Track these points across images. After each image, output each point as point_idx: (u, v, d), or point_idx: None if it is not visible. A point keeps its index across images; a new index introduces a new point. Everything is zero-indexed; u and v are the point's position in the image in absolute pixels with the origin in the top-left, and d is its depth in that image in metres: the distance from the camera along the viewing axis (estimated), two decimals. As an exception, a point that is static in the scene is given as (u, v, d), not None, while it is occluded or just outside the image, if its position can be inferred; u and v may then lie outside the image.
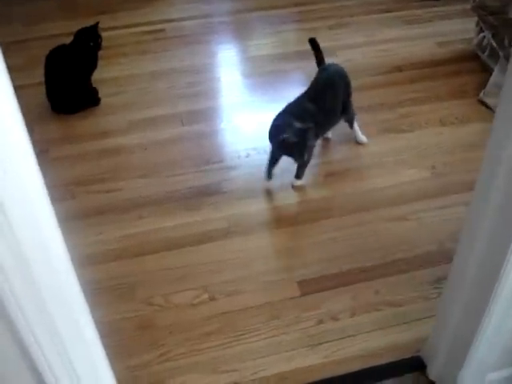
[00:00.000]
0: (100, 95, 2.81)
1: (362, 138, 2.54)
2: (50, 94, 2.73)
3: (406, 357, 1.75)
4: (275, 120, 2.20)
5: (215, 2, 3.70)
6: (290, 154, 2.21)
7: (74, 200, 2.32)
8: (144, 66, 3.08)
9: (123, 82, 2.97)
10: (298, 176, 2.32)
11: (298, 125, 2.13)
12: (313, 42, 2.48)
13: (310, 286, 1.97)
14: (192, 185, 2.37)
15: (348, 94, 2.44)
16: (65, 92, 2.70)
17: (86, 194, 2.35)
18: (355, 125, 2.52)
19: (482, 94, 2.84)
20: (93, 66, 2.74)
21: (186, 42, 3.30)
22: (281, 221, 2.23)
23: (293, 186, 2.34)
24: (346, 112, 2.44)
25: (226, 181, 2.39)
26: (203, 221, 2.21)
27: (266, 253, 2.11)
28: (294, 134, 2.09)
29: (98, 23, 2.68)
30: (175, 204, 2.29)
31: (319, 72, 2.44)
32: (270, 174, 2.32)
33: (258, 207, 2.28)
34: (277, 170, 2.33)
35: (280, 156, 2.27)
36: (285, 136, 2.10)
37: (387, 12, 3.57)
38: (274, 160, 2.29)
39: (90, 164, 2.49)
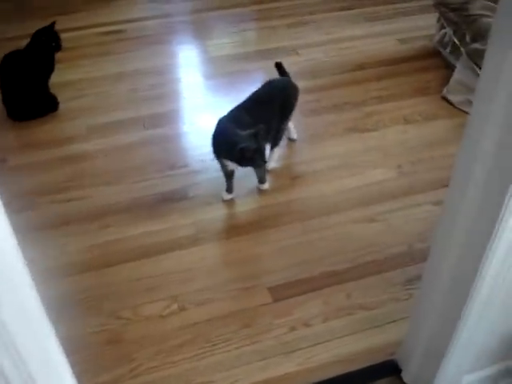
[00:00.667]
0: (59, 100, 2.74)
1: (271, 164, 2.38)
2: (6, 100, 2.64)
3: (381, 361, 1.74)
4: (218, 136, 2.12)
5: (176, 2, 3.65)
6: (249, 163, 2.12)
7: (36, 211, 2.25)
8: (105, 68, 3.01)
9: (84, 85, 2.89)
10: (263, 180, 2.28)
11: (244, 132, 2.05)
12: (279, 66, 2.45)
13: (281, 292, 1.95)
14: (158, 191, 2.32)
15: (286, 108, 2.33)
16: (21, 98, 2.62)
17: (48, 203, 2.28)
18: (275, 152, 2.39)
19: (445, 91, 2.85)
20: (50, 69, 2.66)
21: (147, 42, 3.24)
22: (248, 226, 2.20)
23: (260, 190, 2.30)
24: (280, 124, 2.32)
25: (192, 185, 2.35)
26: (170, 228, 2.17)
27: (234, 259, 2.08)
28: (248, 141, 2.02)
29: (54, 23, 2.60)
30: (141, 211, 2.24)
31: (263, 84, 2.35)
32: (231, 189, 2.28)
33: (224, 212, 2.25)
34: (236, 175, 2.29)
35: (236, 168, 2.19)
36: (243, 145, 2.00)
37: (348, 9, 3.56)
38: (231, 174, 2.23)
39: (51, 172, 2.42)
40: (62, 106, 2.74)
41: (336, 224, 2.20)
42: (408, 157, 2.50)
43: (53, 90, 2.73)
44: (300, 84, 2.83)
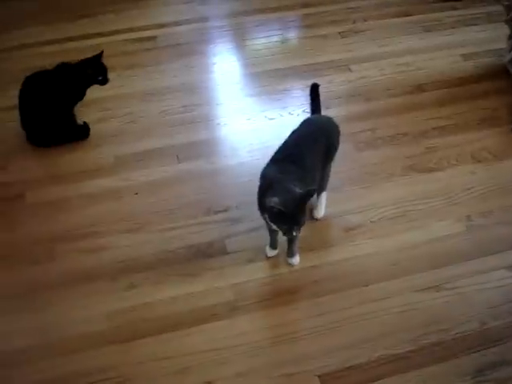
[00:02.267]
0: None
1: (320, 212, 2.11)
2: (25, 124, 2.37)
3: None
4: (262, 189, 1.81)
5: (212, 2, 3.31)
6: (281, 225, 1.77)
7: (54, 262, 2.00)
8: (134, 84, 2.72)
9: (110, 104, 2.61)
10: (294, 253, 1.96)
11: (290, 190, 1.72)
12: (314, 89, 2.07)
13: (333, 382, 1.67)
14: (190, 242, 2.04)
15: (331, 151, 2.00)
16: (44, 123, 2.34)
17: (68, 253, 2.03)
18: (322, 197, 2.10)
19: (517, 123, 2.51)
20: (81, 97, 2.38)
21: (179, 52, 2.93)
22: (295, 292, 1.91)
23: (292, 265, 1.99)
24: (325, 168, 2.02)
25: (231, 237, 2.06)
26: (204, 292, 1.90)
27: (279, 336, 1.80)
28: (287, 201, 1.69)
29: (101, 53, 2.32)
30: (171, 268, 1.97)
31: (303, 123, 2.02)
32: (275, 244, 1.98)
33: (268, 273, 1.97)
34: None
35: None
36: (273, 204, 1.68)
37: (405, 16, 3.20)
38: (275, 230, 1.88)
39: (73, 213, 2.17)
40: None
41: (397, 292, 1.90)
42: (478, 206, 2.18)
43: (77, 111, 2.44)
44: (352, 108, 2.58)
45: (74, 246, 2.05)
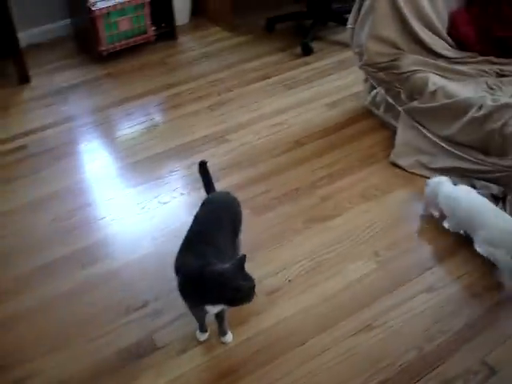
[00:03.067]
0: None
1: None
2: None
3: None
4: (193, 281, 1.73)
5: (73, 102, 3.27)
6: (243, 301, 1.73)
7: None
8: (16, 198, 2.60)
9: (-5, 224, 2.47)
10: (226, 330, 1.95)
11: (225, 266, 1.70)
12: (202, 166, 2.10)
13: None
14: (118, 347, 1.96)
15: (236, 224, 2.00)
16: None
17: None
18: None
19: (392, 156, 2.69)
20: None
21: (53, 157, 2.84)
22: (237, 370, 1.87)
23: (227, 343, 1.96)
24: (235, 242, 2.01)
25: (158, 331, 2.01)
26: (149, 393, 1.82)
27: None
28: (239, 276, 1.70)
29: None
30: (107, 379, 1.87)
31: (204, 204, 2.01)
32: (205, 327, 1.95)
33: (206, 358, 1.92)
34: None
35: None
36: (239, 284, 1.67)
37: (265, 79, 3.37)
38: (204, 316, 1.89)
39: (-17, 349, 1.99)
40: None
41: (334, 342, 1.94)
42: (382, 241, 2.30)
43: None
44: (240, 175, 2.64)
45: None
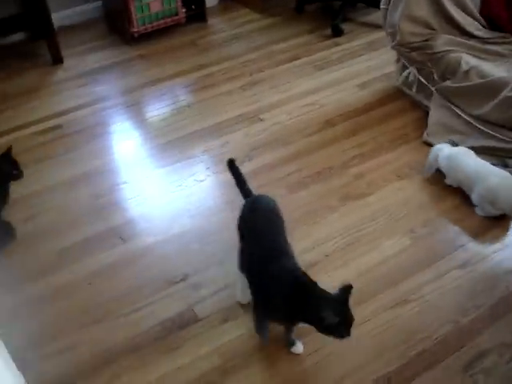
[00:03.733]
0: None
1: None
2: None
3: None
4: (288, 295, 1.65)
5: (107, 82, 3.32)
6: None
7: (28, 372, 1.88)
8: (53, 176, 2.66)
9: (35, 200, 2.53)
10: (295, 340, 1.89)
11: (330, 295, 1.65)
12: (231, 165, 2.03)
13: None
14: (160, 318, 2.02)
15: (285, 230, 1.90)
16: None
17: (38, 361, 1.92)
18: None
19: (425, 135, 2.71)
20: (4, 200, 2.32)
21: (88, 136, 2.90)
22: (280, 339, 1.92)
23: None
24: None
25: (198, 304, 2.06)
26: (191, 362, 1.88)
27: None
28: (334, 309, 1.61)
29: (10, 148, 2.30)
30: (150, 348, 1.93)
31: (253, 211, 1.92)
32: (267, 335, 1.90)
33: (246, 329, 1.96)
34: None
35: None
36: (329, 318, 1.58)
37: (295, 59, 3.39)
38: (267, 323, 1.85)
39: (28, 321, 2.06)
40: (17, 234, 2.36)
41: (373, 314, 1.99)
42: (416, 218, 2.33)
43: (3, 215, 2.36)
44: (273, 155, 2.67)
45: (40, 352, 1.95)
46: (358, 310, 1.96)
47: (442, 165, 2.43)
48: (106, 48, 3.61)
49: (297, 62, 3.35)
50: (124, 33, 3.58)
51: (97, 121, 3.03)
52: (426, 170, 2.49)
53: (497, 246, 2.22)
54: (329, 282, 2.04)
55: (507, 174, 2.29)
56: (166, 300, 2.08)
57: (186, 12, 3.68)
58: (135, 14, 3.48)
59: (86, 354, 1.93)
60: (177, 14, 3.63)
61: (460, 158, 2.40)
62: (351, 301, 1.63)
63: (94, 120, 3.04)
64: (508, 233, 2.27)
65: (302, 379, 1.82)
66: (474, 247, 2.21)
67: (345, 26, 3.62)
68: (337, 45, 3.49)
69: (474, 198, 2.32)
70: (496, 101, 2.48)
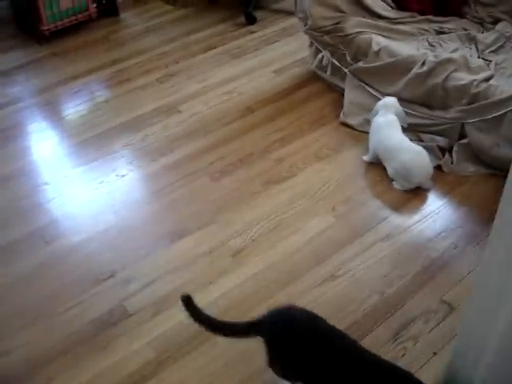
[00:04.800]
0: None
1: None
2: None
3: None
4: None
5: (20, 83, 3.22)
6: None
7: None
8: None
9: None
10: None
11: None
12: (187, 302, 1.67)
13: None
14: (92, 316, 1.99)
15: None
16: None
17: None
18: None
19: (341, 116, 2.78)
20: None
21: (3, 139, 2.80)
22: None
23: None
24: None
25: (128, 299, 2.04)
26: (125, 358, 1.86)
27: (211, 373, 1.82)
28: None
29: None
30: (83, 348, 1.90)
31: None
32: None
33: (180, 317, 1.95)
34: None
35: None
36: None
37: (211, 49, 3.39)
38: None
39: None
40: None
41: (301, 293, 2.03)
42: (337, 196, 2.39)
43: None
44: (195, 145, 2.68)
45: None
46: (288, 290, 2.02)
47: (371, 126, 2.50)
48: (16, 48, 3.49)
49: (212, 52, 3.35)
50: (34, 31, 3.48)
51: (11, 123, 2.94)
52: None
53: (416, 217, 2.30)
54: (257, 265, 2.11)
55: (420, 149, 2.37)
56: (95, 298, 2.05)
57: (97, 7, 3.61)
58: (44, 12, 3.39)
59: (21, 358, 1.88)
60: (87, 10, 3.55)
61: (382, 129, 2.44)
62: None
63: (9, 122, 2.94)
64: (426, 203, 2.35)
65: (236, 365, 1.84)
66: (395, 220, 2.29)
67: (258, 14, 3.64)
68: (251, 32, 3.52)
69: (390, 172, 2.40)
70: (407, 78, 2.57)
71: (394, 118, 2.44)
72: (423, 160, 2.35)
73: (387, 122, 2.44)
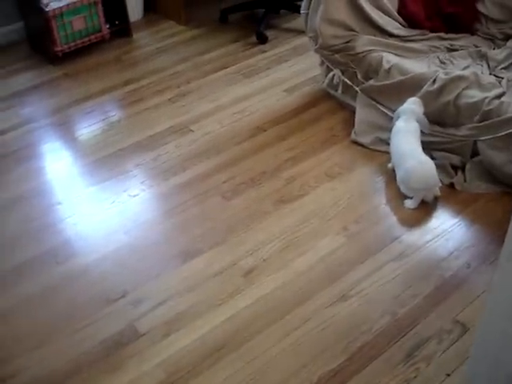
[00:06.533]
0: None
1: None
2: None
3: None
4: None
5: (33, 104, 3.25)
6: None
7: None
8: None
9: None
10: None
11: None
12: None
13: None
14: (102, 337, 1.99)
15: None
16: None
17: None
18: None
19: (353, 135, 2.77)
20: None
21: (17, 159, 2.83)
22: (224, 347, 1.93)
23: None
24: None
25: (139, 319, 2.04)
26: (136, 379, 1.86)
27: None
28: None
29: None
30: (93, 369, 1.90)
31: None
32: None
33: (191, 338, 1.96)
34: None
35: None
36: None
37: (222, 69, 3.41)
38: None
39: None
40: None
41: (313, 313, 2.01)
42: (348, 215, 2.38)
43: None
44: (207, 164, 2.69)
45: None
46: (299, 310, 2.01)
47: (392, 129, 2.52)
48: (30, 69, 3.54)
49: (224, 72, 3.37)
50: (47, 53, 3.53)
51: (25, 143, 2.97)
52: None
53: (429, 236, 2.28)
54: (269, 285, 2.10)
55: (426, 159, 2.36)
56: (106, 318, 2.05)
57: (109, 28, 3.65)
58: (58, 33, 3.43)
59: (31, 378, 1.89)
60: (100, 31, 3.59)
61: (400, 134, 2.46)
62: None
63: (22, 142, 2.97)
64: (439, 222, 2.33)
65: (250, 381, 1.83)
66: (407, 239, 2.27)
67: (269, 33, 3.67)
68: (262, 52, 3.53)
69: (397, 178, 2.42)
70: (418, 96, 2.56)
71: (415, 124, 2.45)
72: (426, 170, 2.34)
73: (406, 128, 2.44)
